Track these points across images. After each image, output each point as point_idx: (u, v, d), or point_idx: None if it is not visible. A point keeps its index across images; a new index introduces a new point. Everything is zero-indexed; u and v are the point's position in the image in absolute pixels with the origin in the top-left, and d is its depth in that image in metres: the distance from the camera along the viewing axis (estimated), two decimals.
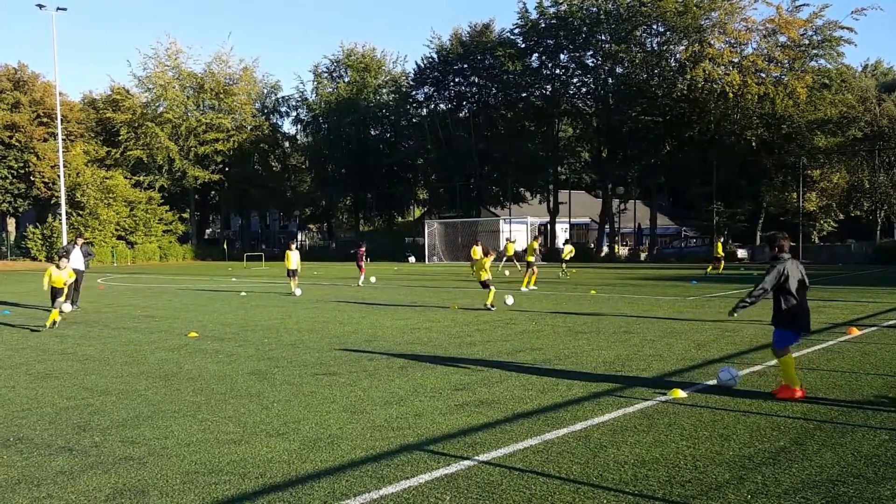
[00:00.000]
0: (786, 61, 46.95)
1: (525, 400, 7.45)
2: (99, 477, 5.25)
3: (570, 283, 26.61)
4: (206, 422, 6.80)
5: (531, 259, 23.82)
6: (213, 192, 73.39)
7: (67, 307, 17.23)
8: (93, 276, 34.59)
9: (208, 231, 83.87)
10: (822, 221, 56.97)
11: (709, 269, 31.54)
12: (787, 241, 7.65)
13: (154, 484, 5.09)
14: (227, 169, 68.02)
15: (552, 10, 51.89)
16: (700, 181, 50.97)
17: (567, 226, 61.78)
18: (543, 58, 54.74)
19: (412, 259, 55.19)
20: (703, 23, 46.28)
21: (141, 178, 63.04)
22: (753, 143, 47.12)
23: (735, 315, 7.91)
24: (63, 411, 7.32)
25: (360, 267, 26.59)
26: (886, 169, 48.98)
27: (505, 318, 14.95)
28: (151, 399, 7.83)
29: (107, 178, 59.23)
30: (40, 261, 55.24)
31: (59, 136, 49.99)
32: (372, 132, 69.03)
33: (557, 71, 55.04)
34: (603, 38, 51.04)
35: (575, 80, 55.52)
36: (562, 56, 53.85)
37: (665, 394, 7.55)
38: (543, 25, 52.48)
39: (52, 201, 57.18)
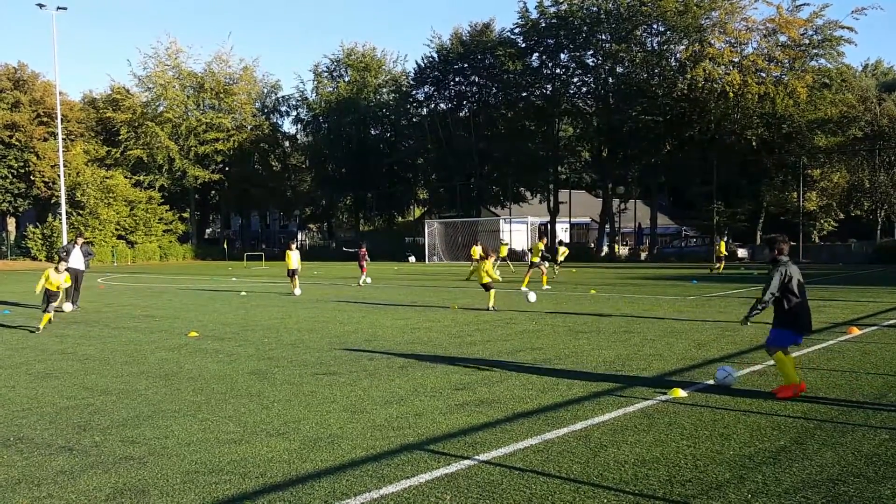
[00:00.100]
0: (786, 61, 46.91)
1: (525, 399, 7.45)
2: (99, 476, 5.26)
3: (570, 282, 26.61)
4: (207, 421, 6.80)
5: (536, 260, 23.85)
6: (213, 192, 73.37)
7: (68, 307, 17.27)
8: (93, 275, 34.59)
9: (208, 231, 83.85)
10: (822, 221, 56.97)
11: (716, 268, 32.10)
12: (787, 243, 7.74)
13: (154, 483, 5.09)
14: (227, 168, 67.99)
15: (552, 9, 51.86)
16: (700, 181, 50.94)
17: (567, 225, 61.78)
18: (544, 57, 54.71)
19: (412, 259, 55.18)
20: (703, 22, 46.25)
21: (141, 177, 63.04)
22: (754, 143, 47.09)
23: (748, 324, 7.84)
24: (63, 411, 7.33)
25: (361, 267, 26.62)
26: (887, 168, 48.95)
27: (505, 318, 14.95)
28: (152, 399, 7.83)
29: (107, 178, 59.22)
30: (40, 260, 55.24)
31: (60, 136, 50.00)
32: (372, 132, 68.98)
33: (558, 70, 55.00)
34: (603, 37, 51.01)
35: (575, 80, 55.47)
36: (562, 56, 53.81)
37: (665, 393, 7.55)
38: (544, 25, 52.44)
39: (52, 201, 57.18)
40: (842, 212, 55.25)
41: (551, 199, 57.81)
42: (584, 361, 9.66)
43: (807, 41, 46.26)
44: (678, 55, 48.54)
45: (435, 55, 60.02)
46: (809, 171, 49.22)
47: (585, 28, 50.42)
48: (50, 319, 14.21)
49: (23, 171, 57.89)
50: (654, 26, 49.24)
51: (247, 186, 68.08)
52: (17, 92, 58.35)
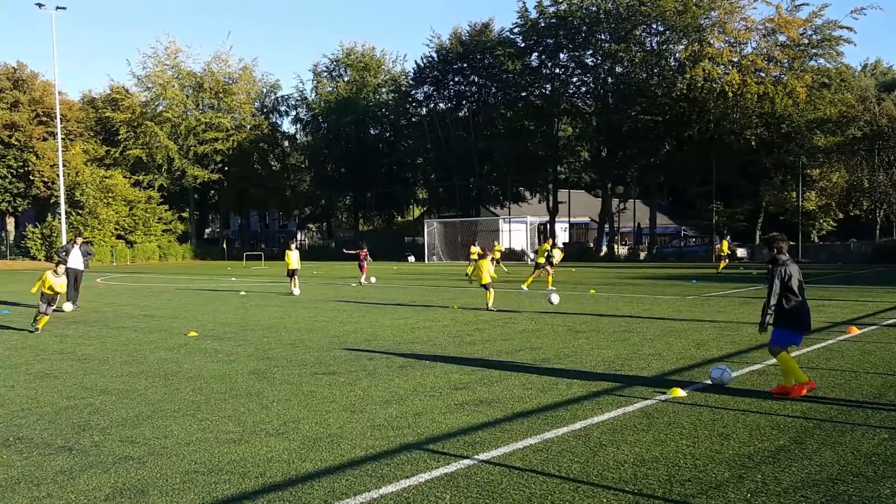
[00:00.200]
0: (785, 61, 46.94)
1: (525, 399, 7.45)
2: (99, 476, 5.25)
3: (570, 282, 26.61)
4: (206, 421, 6.80)
5: (541, 261, 23.85)
6: (212, 192, 73.36)
7: (68, 306, 17.26)
8: (92, 275, 34.57)
9: (207, 230, 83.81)
10: (821, 221, 56.97)
11: (721, 266, 32.55)
12: (786, 242, 7.72)
13: (154, 483, 5.09)
14: (226, 168, 67.99)
15: (552, 9, 51.88)
16: (699, 180, 50.95)
17: (567, 225, 61.79)
18: (543, 57, 54.72)
19: (412, 258, 55.18)
20: (702, 22, 46.28)
21: (140, 177, 63.02)
22: (753, 143, 47.11)
23: (767, 330, 7.69)
24: (62, 411, 7.32)
25: (361, 267, 26.62)
26: (886, 168, 48.96)
27: (504, 318, 14.95)
28: (151, 398, 7.83)
29: (106, 178, 59.21)
30: (40, 260, 55.22)
31: (59, 136, 49.97)
32: (371, 131, 68.97)
33: (557, 70, 55.03)
34: (602, 37, 51.04)
35: (574, 80, 55.51)
36: (561, 55, 53.84)
37: (665, 393, 7.55)
38: (543, 25, 52.47)
39: (52, 200, 57.17)
40: (841, 211, 55.26)
41: (550, 198, 57.83)
42: (583, 361, 9.66)
43: (806, 41, 46.30)
44: (677, 55, 48.57)
45: (434, 55, 60.03)
46: (808, 170, 49.24)
47: (585, 28, 50.45)
48: (38, 319, 14.10)
49: (22, 170, 57.87)
50: (654, 26, 49.28)
51: (246, 186, 68.09)
52: (17, 91, 58.35)
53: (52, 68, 76.71)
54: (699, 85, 46.63)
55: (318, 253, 66.46)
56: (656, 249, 52.38)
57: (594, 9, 50.20)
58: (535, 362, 9.63)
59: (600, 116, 53.21)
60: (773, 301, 7.42)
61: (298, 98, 72.00)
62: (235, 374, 9.12)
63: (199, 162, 64.90)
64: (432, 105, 63.03)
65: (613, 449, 5.67)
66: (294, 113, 73.73)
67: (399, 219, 76.38)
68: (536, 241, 52.69)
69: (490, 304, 16.60)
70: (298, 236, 77.91)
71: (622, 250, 54.73)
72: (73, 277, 17.74)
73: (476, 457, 5.51)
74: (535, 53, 55.08)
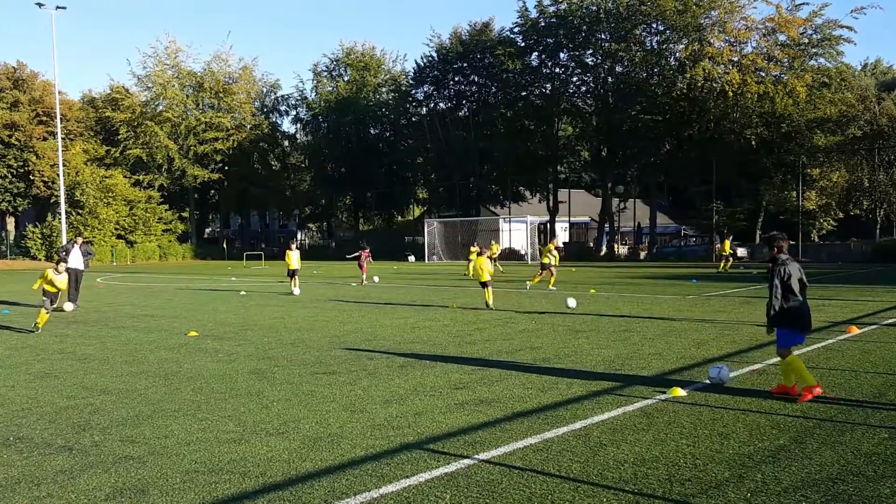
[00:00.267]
0: (785, 60, 46.91)
1: (525, 399, 7.45)
2: (99, 476, 5.26)
3: (570, 282, 26.61)
4: (206, 421, 6.80)
5: (546, 261, 23.84)
6: (212, 191, 73.36)
7: (69, 306, 17.25)
8: (92, 275, 34.58)
9: (208, 230, 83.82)
10: (821, 220, 56.91)
11: (724, 266, 32.53)
12: (786, 241, 7.70)
13: (154, 483, 5.09)
14: (226, 168, 67.97)
15: (552, 8, 51.87)
16: (700, 180, 50.88)
17: (567, 225, 61.79)
18: (543, 57, 54.71)
19: (412, 258, 55.18)
20: (702, 21, 46.25)
21: (140, 177, 63.02)
22: (753, 142, 47.08)
23: (773, 332, 7.69)
24: (63, 410, 7.33)
25: (361, 267, 26.63)
26: (886, 167, 48.93)
27: (504, 317, 14.95)
28: (151, 398, 7.83)
29: (106, 178, 59.21)
30: (40, 260, 55.22)
31: (59, 135, 49.98)
32: (371, 131, 68.98)
33: (557, 70, 55.00)
34: (602, 36, 51.02)
35: (575, 79, 55.48)
36: (561, 55, 53.82)
37: (665, 392, 7.55)
38: (543, 24, 52.46)
39: (52, 200, 57.17)
40: (841, 211, 55.20)
41: (551, 198, 57.82)
42: (583, 360, 9.66)
43: (806, 40, 46.27)
44: (677, 54, 48.54)
45: (434, 54, 60.02)
46: (809, 170, 49.17)
47: (585, 27, 50.43)
48: (46, 320, 14.16)
49: (22, 170, 57.88)
50: (654, 25, 49.25)
51: (246, 186, 68.08)
52: (17, 91, 58.36)
53: (52, 68, 77.04)
54: (699, 84, 46.61)
55: (318, 253, 66.45)
56: (656, 249, 52.37)
57: (594, 8, 50.18)
58: (535, 362, 9.63)
59: (600, 116, 53.19)
60: (776, 302, 7.40)
61: (298, 98, 72.07)
62: (235, 374, 9.13)
63: (199, 162, 64.89)
64: (432, 105, 63.02)
65: (613, 448, 5.67)
66: (294, 113, 73.83)
67: (399, 218, 76.38)
68: (537, 240, 52.64)
69: (490, 304, 16.61)
70: (298, 236, 77.94)
71: (622, 250, 54.71)
72: (74, 277, 17.74)
73: (476, 456, 5.51)
74: (536, 53, 55.06)
